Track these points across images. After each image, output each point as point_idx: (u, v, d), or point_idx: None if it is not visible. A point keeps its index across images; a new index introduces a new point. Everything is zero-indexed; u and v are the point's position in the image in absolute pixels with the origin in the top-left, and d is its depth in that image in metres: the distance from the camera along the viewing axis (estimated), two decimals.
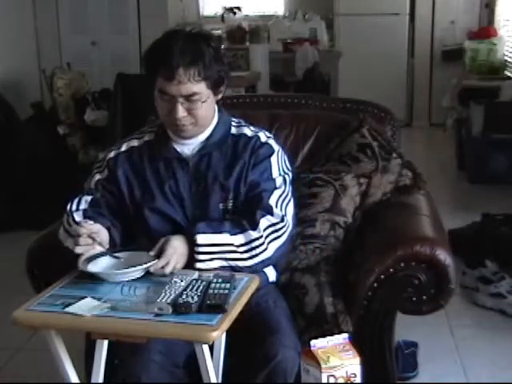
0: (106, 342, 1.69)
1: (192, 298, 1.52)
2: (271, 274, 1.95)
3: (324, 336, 1.67)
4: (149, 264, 1.66)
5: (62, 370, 1.64)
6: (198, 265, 1.72)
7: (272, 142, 1.91)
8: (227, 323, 1.48)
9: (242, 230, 1.75)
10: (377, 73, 6.90)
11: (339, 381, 1.51)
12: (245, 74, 5.52)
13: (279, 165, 1.89)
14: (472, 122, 5.02)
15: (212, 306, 1.50)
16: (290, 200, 1.87)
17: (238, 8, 7.21)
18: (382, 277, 1.86)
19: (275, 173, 1.87)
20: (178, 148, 1.86)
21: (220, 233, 1.74)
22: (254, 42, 6.32)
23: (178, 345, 1.68)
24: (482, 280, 3.19)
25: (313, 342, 1.54)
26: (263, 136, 1.91)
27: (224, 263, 1.74)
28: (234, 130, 1.91)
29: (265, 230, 1.76)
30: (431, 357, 2.66)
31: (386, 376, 1.94)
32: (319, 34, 6.70)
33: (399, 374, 2.23)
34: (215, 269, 1.72)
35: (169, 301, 1.51)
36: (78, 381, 1.68)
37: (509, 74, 5.97)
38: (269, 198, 1.82)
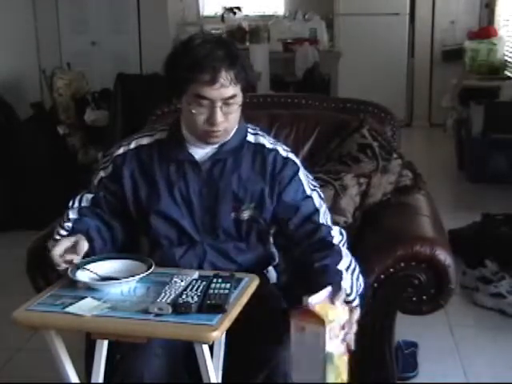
0: (105, 342, 1.69)
1: (192, 298, 1.52)
2: (272, 275, 1.94)
3: None
4: (141, 275, 1.64)
5: (62, 370, 1.64)
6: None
7: (292, 155, 1.86)
8: (227, 323, 1.49)
9: (339, 259, 1.72)
10: (377, 73, 6.90)
11: (335, 332, 1.50)
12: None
13: (307, 179, 1.85)
14: (472, 122, 5.02)
15: (212, 306, 1.50)
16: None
17: (238, 8, 7.21)
18: (382, 277, 1.86)
19: (308, 189, 1.82)
20: (192, 151, 1.80)
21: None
22: (254, 42, 6.32)
23: (179, 343, 1.67)
24: (482, 280, 3.19)
25: (306, 300, 1.48)
26: (282, 150, 1.84)
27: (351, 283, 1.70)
28: (250, 138, 1.84)
29: (341, 242, 1.77)
30: (431, 357, 2.66)
31: (386, 376, 1.94)
32: (319, 34, 6.69)
33: (399, 374, 2.23)
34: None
35: (169, 301, 1.51)
36: (77, 381, 1.68)
37: (509, 73, 5.98)
38: (319, 218, 1.79)
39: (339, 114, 2.47)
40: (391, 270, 1.85)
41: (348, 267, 1.72)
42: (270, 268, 1.95)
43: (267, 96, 2.70)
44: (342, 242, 1.78)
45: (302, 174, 1.84)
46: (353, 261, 1.75)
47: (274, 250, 1.94)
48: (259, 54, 5.94)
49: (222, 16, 7.14)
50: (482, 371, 2.57)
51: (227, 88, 1.67)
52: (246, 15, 7.30)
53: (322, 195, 1.86)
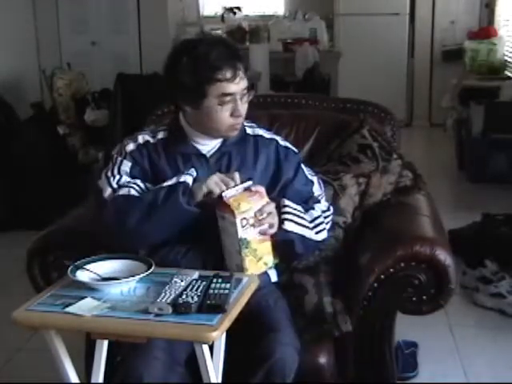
0: (105, 342, 1.69)
1: (192, 298, 1.52)
2: (273, 274, 1.96)
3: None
4: (141, 275, 1.65)
5: (62, 370, 1.65)
6: (287, 224, 1.79)
7: (290, 145, 2.01)
8: (227, 323, 1.49)
9: (306, 210, 1.89)
10: (377, 73, 6.90)
11: (250, 221, 1.71)
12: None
13: (306, 168, 2.00)
14: (472, 122, 5.02)
15: (212, 305, 1.50)
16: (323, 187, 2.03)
17: (238, 8, 7.21)
18: (382, 277, 1.86)
19: (308, 175, 1.99)
20: (197, 145, 1.89)
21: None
22: (254, 42, 6.32)
23: (179, 343, 1.68)
24: (482, 280, 3.19)
25: (224, 193, 1.71)
26: (280, 140, 2.00)
27: (300, 230, 1.82)
28: (249, 131, 1.97)
29: (322, 212, 1.93)
30: (431, 357, 2.66)
31: (386, 376, 1.94)
32: (319, 33, 6.69)
33: (399, 374, 2.23)
34: (295, 235, 1.81)
35: (169, 301, 1.51)
36: (78, 381, 1.68)
37: (509, 73, 5.97)
38: (313, 192, 1.97)
39: (339, 114, 2.47)
40: (391, 270, 1.85)
41: (311, 221, 1.87)
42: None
43: (267, 96, 2.70)
44: (323, 215, 1.93)
45: (303, 165, 2.00)
46: (321, 225, 1.91)
47: None
48: (259, 53, 5.94)
49: (222, 16, 7.14)
50: (482, 371, 2.57)
51: (244, 80, 1.82)
52: (246, 15, 7.30)
53: (318, 181, 2.01)
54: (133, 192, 1.79)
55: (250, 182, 1.78)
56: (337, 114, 2.48)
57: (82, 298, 1.58)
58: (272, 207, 1.77)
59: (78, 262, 1.69)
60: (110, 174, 1.84)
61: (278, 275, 1.98)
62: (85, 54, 6.18)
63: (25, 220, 4.11)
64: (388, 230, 2.03)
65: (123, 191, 1.79)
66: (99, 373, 1.70)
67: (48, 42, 6.20)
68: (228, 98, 1.79)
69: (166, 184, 1.77)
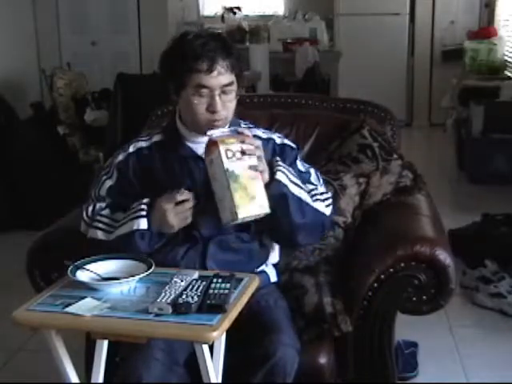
0: (105, 342, 1.69)
1: (192, 298, 1.52)
2: (272, 274, 1.96)
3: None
4: (141, 275, 1.65)
5: (62, 370, 1.65)
6: (279, 175, 1.76)
7: (287, 141, 1.98)
8: (227, 323, 1.49)
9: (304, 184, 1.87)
10: (377, 73, 6.90)
11: (237, 155, 1.66)
12: (245, 74, 5.51)
13: (302, 162, 1.97)
14: (472, 122, 5.02)
15: (212, 305, 1.50)
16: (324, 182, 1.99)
17: (238, 8, 7.21)
18: (382, 277, 1.86)
19: (303, 168, 1.94)
20: (192, 146, 1.86)
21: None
22: (254, 42, 6.33)
23: (179, 343, 1.68)
24: (482, 280, 3.19)
25: (209, 132, 1.71)
26: (277, 138, 1.95)
27: (296, 190, 1.79)
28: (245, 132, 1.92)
29: (321, 194, 1.90)
30: (431, 357, 2.66)
31: (386, 376, 1.94)
32: (319, 34, 6.70)
33: (399, 374, 2.23)
34: (288, 190, 1.77)
35: (169, 301, 1.51)
36: (78, 381, 1.68)
37: (509, 73, 5.98)
38: (310, 178, 1.93)
39: (339, 114, 2.47)
40: (391, 269, 1.85)
41: (308, 192, 1.85)
42: (270, 267, 1.96)
43: (267, 96, 2.70)
44: (323, 196, 1.90)
45: (299, 157, 1.97)
46: (321, 196, 1.89)
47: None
48: (259, 53, 5.94)
49: (222, 16, 7.14)
50: (482, 371, 2.57)
51: (224, 76, 1.77)
52: (246, 15, 7.30)
53: (317, 175, 1.97)
54: (99, 234, 1.82)
55: (239, 128, 1.77)
56: (337, 114, 2.48)
57: (82, 298, 1.58)
58: (261, 151, 1.73)
59: (78, 262, 1.69)
60: (91, 197, 1.90)
61: (278, 275, 1.98)
62: (85, 54, 6.18)
63: (25, 220, 4.12)
64: (388, 230, 2.03)
65: (91, 233, 1.84)
66: (99, 373, 1.71)
67: (48, 42, 6.20)
68: (204, 91, 1.76)
69: (121, 232, 1.78)
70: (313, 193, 1.87)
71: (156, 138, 1.91)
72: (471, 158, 5.15)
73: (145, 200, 1.78)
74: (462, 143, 5.37)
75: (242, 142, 1.69)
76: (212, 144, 1.69)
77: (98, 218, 1.84)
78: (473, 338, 2.85)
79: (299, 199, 1.79)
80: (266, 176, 1.74)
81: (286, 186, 1.77)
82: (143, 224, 1.74)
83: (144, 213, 1.76)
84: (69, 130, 4.81)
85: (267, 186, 1.72)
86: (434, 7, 7.02)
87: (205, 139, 1.79)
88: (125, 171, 1.87)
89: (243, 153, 1.68)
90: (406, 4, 6.97)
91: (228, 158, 1.66)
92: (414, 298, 1.86)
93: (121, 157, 1.89)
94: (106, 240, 1.81)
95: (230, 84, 1.79)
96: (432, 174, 4.28)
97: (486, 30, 6.45)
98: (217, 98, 1.77)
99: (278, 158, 1.83)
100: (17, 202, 4.24)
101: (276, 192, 1.74)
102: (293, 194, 1.78)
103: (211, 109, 1.77)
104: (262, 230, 1.89)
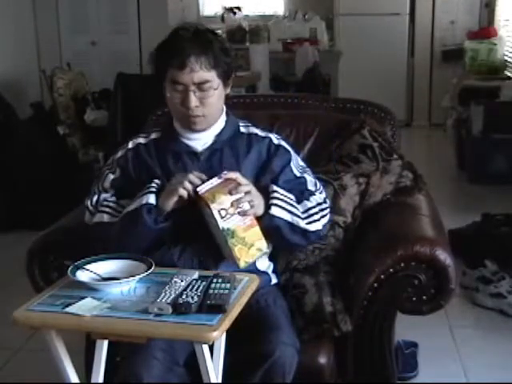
0: (105, 342, 1.69)
1: (192, 298, 1.52)
2: (273, 275, 1.96)
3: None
4: (141, 275, 1.65)
5: (62, 370, 1.65)
6: (273, 209, 1.77)
7: (284, 143, 1.97)
8: (227, 323, 1.49)
9: (299, 201, 1.86)
10: (377, 73, 6.90)
11: (230, 211, 1.70)
12: (245, 73, 5.52)
13: (297, 167, 1.95)
14: (472, 122, 5.02)
15: (212, 306, 1.50)
16: (321, 186, 1.98)
17: (238, 8, 7.20)
18: (382, 277, 1.86)
19: (298, 172, 1.94)
20: (188, 143, 1.89)
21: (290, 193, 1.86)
22: (254, 42, 6.32)
23: (179, 343, 1.68)
24: (482, 280, 3.19)
25: (198, 188, 1.72)
26: (275, 138, 1.96)
27: (289, 217, 1.80)
28: (243, 130, 1.95)
29: (318, 204, 1.89)
30: (431, 357, 2.66)
31: (386, 376, 1.94)
32: (319, 34, 6.70)
33: (399, 374, 2.23)
34: (282, 221, 1.79)
35: (169, 301, 1.51)
36: (77, 381, 1.68)
37: (509, 73, 5.98)
38: (306, 186, 1.92)
39: (339, 114, 2.47)
40: (391, 270, 1.85)
41: (303, 212, 1.85)
42: (270, 268, 1.96)
43: (267, 96, 2.70)
44: (318, 208, 1.89)
45: (294, 161, 1.95)
46: (316, 216, 1.88)
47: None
48: (259, 53, 5.94)
49: (222, 16, 7.13)
50: (482, 371, 2.57)
51: (197, 73, 1.77)
52: (246, 15, 7.29)
53: (314, 179, 1.97)
54: (105, 218, 1.84)
55: (224, 172, 1.76)
56: (337, 114, 2.48)
57: (82, 298, 1.58)
58: (249, 187, 1.75)
59: (78, 262, 1.69)
60: (94, 190, 1.92)
61: (278, 276, 1.98)
62: (85, 54, 6.19)
63: (25, 220, 4.12)
64: (388, 230, 2.03)
65: (97, 217, 1.86)
66: (99, 373, 1.71)
67: (48, 42, 6.21)
68: (179, 87, 1.79)
69: (129, 208, 1.79)
70: (310, 212, 1.87)
71: (154, 135, 1.95)
72: (471, 157, 5.15)
73: (156, 180, 1.82)
74: (462, 143, 5.37)
75: (230, 191, 1.71)
76: (203, 200, 1.71)
77: (105, 203, 1.88)
78: (473, 338, 2.85)
79: (293, 225, 1.82)
80: (259, 211, 1.76)
81: (280, 218, 1.79)
82: (152, 199, 1.77)
83: (153, 189, 1.80)
84: (69, 129, 4.81)
85: (261, 218, 1.76)
86: (434, 7, 7.02)
87: (198, 135, 1.85)
88: (125, 166, 1.91)
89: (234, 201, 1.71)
90: (406, 4, 6.97)
91: (222, 217, 1.69)
92: (414, 298, 1.86)
93: (120, 153, 1.94)
94: (113, 222, 1.82)
95: (206, 82, 1.78)
96: (432, 174, 4.28)
97: (485, 30, 6.44)
98: (190, 94, 1.78)
99: (274, 188, 1.83)
100: (17, 202, 4.24)
101: (269, 225, 1.78)
102: (285, 221, 1.80)
103: (185, 104, 1.80)
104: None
